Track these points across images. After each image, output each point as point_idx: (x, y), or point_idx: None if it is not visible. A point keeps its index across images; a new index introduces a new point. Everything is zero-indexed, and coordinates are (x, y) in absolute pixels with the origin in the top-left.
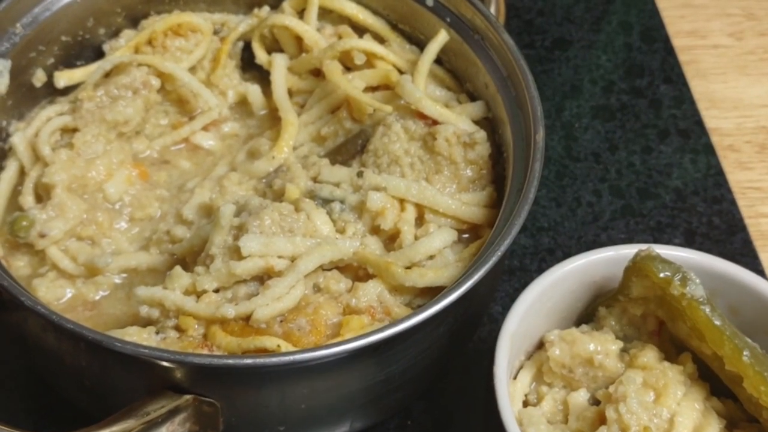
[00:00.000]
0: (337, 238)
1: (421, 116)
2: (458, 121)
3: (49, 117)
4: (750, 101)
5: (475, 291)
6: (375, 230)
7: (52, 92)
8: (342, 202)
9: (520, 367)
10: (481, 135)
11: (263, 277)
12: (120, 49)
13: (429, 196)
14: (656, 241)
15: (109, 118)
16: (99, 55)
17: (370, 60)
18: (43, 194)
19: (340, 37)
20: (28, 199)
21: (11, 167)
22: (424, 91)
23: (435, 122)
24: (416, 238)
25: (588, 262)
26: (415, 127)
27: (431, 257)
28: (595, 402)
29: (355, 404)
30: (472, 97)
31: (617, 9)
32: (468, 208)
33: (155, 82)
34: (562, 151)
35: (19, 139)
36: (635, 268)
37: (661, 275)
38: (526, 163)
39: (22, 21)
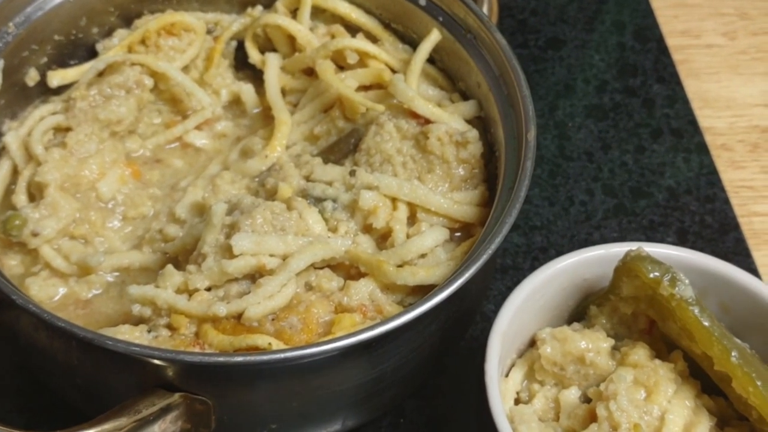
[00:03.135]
0: (329, 237)
1: (414, 115)
2: (450, 120)
3: (42, 116)
4: (743, 100)
5: (467, 289)
6: (367, 229)
7: (45, 91)
8: (334, 200)
9: (512, 365)
10: (473, 134)
11: (255, 276)
12: (113, 48)
13: (421, 195)
14: (649, 239)
15: (102, 117)
16: (92, 54)
17: (363, 59)
18: (36, 193)
19: (332, 37)
20: (21, 198)
21: (4, 166)
22: (417, 90)
23: (427, 121)
24: (408, 236)
25: (579, 261)
26: (407, 126)
27: (423, 256)
28: (586, 400)
29: (346, 402)
30: (465, 96)
31: (610, 8)
32: (460, 207)
33: (148, 82)
34: (555, 150)
35: (11, 138)
36: (625, 267)
37: (651, 275)
38: (517, 161)
39: (14, 20)
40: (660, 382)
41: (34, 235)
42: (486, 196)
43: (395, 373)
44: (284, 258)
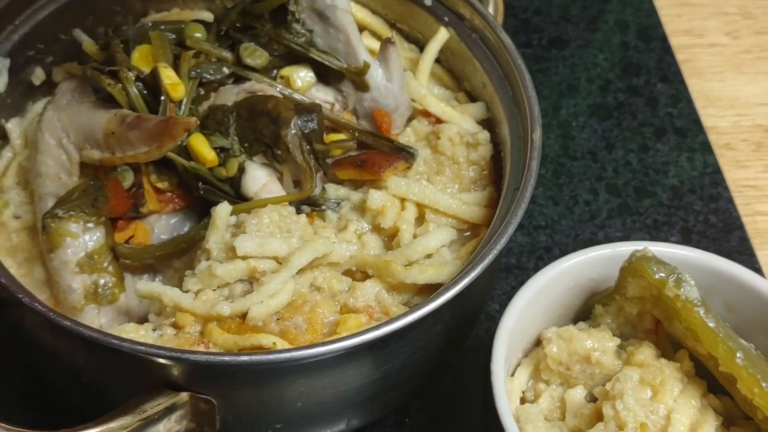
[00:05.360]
0: (334, 242)
1: (426, 114)
2: (462, 120)
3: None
4: (746, 100)
5: (472, 289)
6: (377, 229)
7: (51, 90)
8: (341, 201)
9: (518, 365)
10: (484, 135)
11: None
12: None
13: (429, 195)
14: (653, 239)
15: None
16: None
17: None
18: (21, 178)
19: None
20: (9, 182)
21: (5, 156)
22: (428, 88)
23: (438, 120)
24: (415, 237)
25: (584, 260)
26: (418, 126)
27: (429, 256)
28: (592, 399)
29: (351, 402)
30: (471, 96)
31: (614, 8)
32: (468, 208)
33: None
34: (559, 149)
35: (13, 126)
36: (631, 268)
37: (656, 276)
38: (523, 161)
39: (21, 19)
40: (666, 382)
41: (16, 218)
42: (494, 197)
43: (400, 373)
44: (283, 261)
